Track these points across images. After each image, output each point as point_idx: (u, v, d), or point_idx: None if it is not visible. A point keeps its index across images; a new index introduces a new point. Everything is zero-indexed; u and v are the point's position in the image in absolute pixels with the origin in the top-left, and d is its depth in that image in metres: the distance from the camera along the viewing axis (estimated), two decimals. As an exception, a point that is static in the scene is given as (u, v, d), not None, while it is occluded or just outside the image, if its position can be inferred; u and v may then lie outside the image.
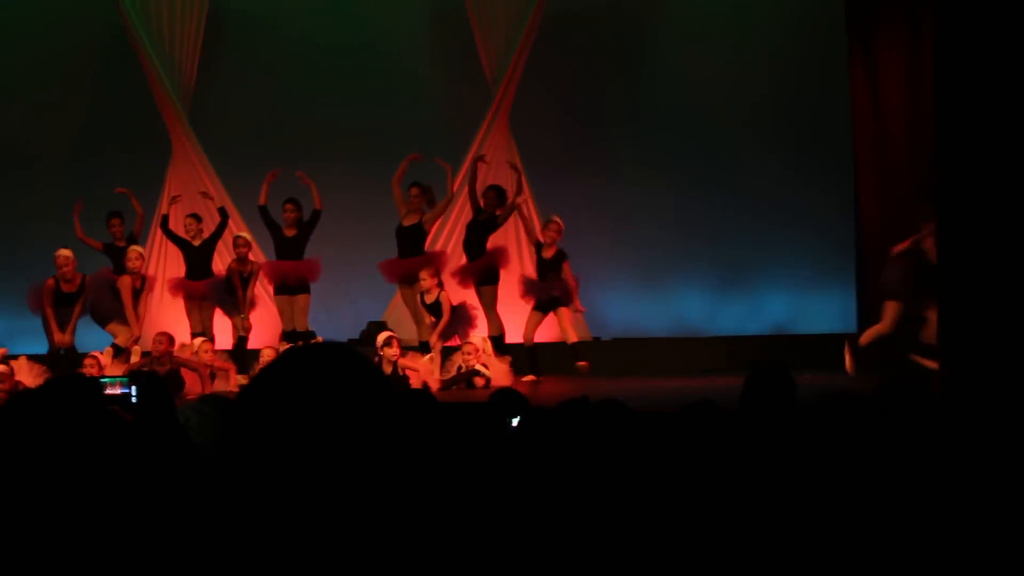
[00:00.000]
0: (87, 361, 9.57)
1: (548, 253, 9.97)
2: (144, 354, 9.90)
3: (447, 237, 10.94)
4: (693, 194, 10.79)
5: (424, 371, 9.42)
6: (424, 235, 10.21)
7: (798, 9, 10.78)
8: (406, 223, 10.16)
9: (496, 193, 10.18)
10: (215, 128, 11.55)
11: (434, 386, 9.16)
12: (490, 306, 10.05)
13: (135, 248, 10.31)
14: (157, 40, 11.41)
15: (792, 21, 10.77)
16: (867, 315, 10.12)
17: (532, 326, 10.01)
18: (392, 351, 9.18)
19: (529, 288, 10.09)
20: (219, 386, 9.52)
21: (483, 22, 11.04)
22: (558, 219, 9.98)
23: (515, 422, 3.37)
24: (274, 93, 11.46)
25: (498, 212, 10.16)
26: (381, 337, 9.32)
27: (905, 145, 9.92)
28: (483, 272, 10.07)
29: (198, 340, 9.92)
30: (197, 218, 10.49)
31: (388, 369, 9.10)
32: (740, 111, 10.81)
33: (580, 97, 11.16)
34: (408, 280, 10.18)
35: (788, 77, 10.74)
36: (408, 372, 9.28)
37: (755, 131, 10.78)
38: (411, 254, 10.15)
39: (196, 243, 10.37)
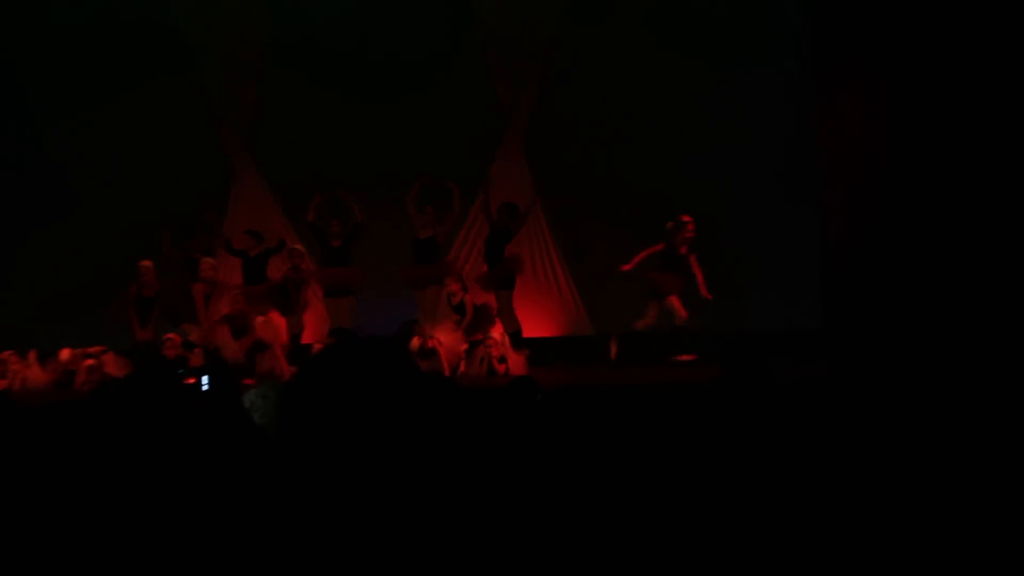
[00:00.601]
0: (167, 344, 9.66)
1: (683, 250, 9.92)
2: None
3: (469, 248, 10.98)
4: (684, 207, 10.72)
5: (449, 342, 9.48)
6: (437, 246, 10.20)
7: (772, 53, 10.71)
8: (421, 236, 10.16)
9: (508, 209, 10.17)
10: (272, 151, 11.60)
11: (460, 345, 9.45)
12: (507, 307, 10.04)
13: (207, 260, 10.35)
14: (217, 70, 11.50)
15: (768, 64, 10.68)
16: (832, 313, 10.02)
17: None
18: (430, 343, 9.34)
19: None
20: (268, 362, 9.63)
21: (499, 64, 11.10)
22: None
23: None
24: (321, 121, 11.44)
25: (511, 225, 10.16)
26: (415, 345, 9.36)
27: (865, 161, 9.86)
28: (500, 278, 10.07)
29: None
30: (253, 234, 10.54)
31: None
32: (725, 137, 10.73)
33: (585, 124, 11.10)
34: (420, 285, 10.21)
35: (766, 112, 10.63)
36: (437, 346, 9.37)
37: (737, 153, 10.69)
38: (425, 262, 10.15)
39: (252, 254, 10.39)
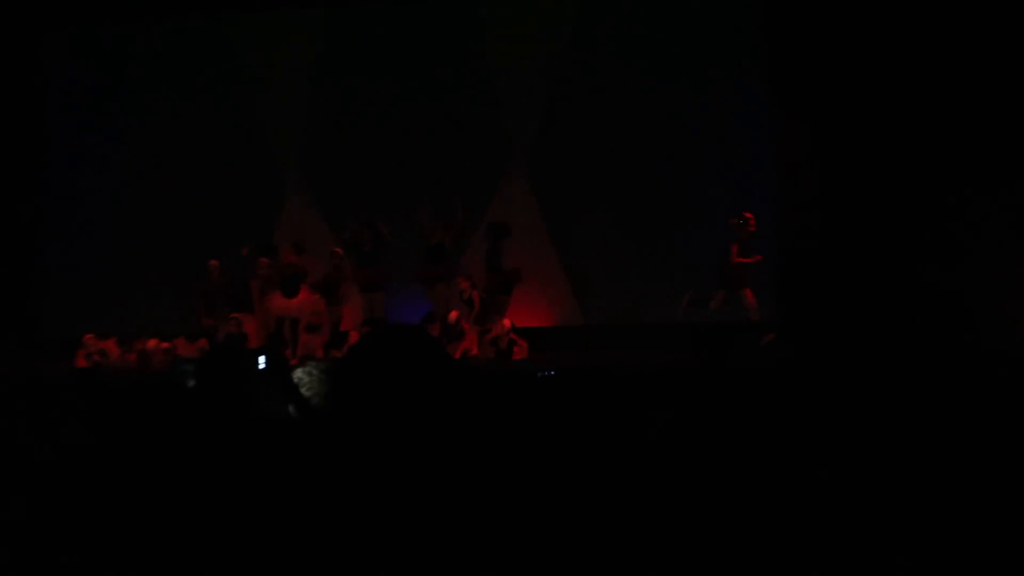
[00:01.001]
0: (232, 323, 9.72)
1: (735, 249, 9.33)
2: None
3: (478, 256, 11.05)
4: (661, 211, 10.74)
5: (472, 335, 9.57)
6: (444, 250, 10.23)
7: (735, 83, 10.69)
8: (432, 242, 10.20)
9: (498, 229, 10.19)
10: (318, 171, 11.64)
11: (472, 333, 9.49)
12: (502, 311, 10.04)
13: (263, 259, 10.39)
14: (273, 103, 11.55)
15: (732, 89, 10.64)
16: (784, 307, 9.99)
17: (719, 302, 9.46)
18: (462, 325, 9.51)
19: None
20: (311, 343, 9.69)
21: (506, 96, 11.16)
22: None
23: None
24: (358, 145, 11.48)
25: (500, 243, 10.13)
26: (453, 316, 9.52)
27: (811, 177, 9.82)
28: (500, 284, 10.08)
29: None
30: (295, 245, 10.57)
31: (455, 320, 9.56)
32: (695, 152, 10.70)
33: (579, 142, 11.05)
34: (430, 283, 10.23)
35: (730, 132, 10.60)
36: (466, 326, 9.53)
37: (706, 169, 10.65)
38: (434, 264, 10.18)
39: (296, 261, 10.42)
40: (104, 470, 2.22)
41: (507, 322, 9.72)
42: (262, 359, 4.06)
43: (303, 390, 3.51)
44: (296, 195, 11.68)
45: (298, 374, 3.65)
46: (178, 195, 11.62)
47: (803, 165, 9.90)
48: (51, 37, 12.07)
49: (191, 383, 2.79)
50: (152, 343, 9.81)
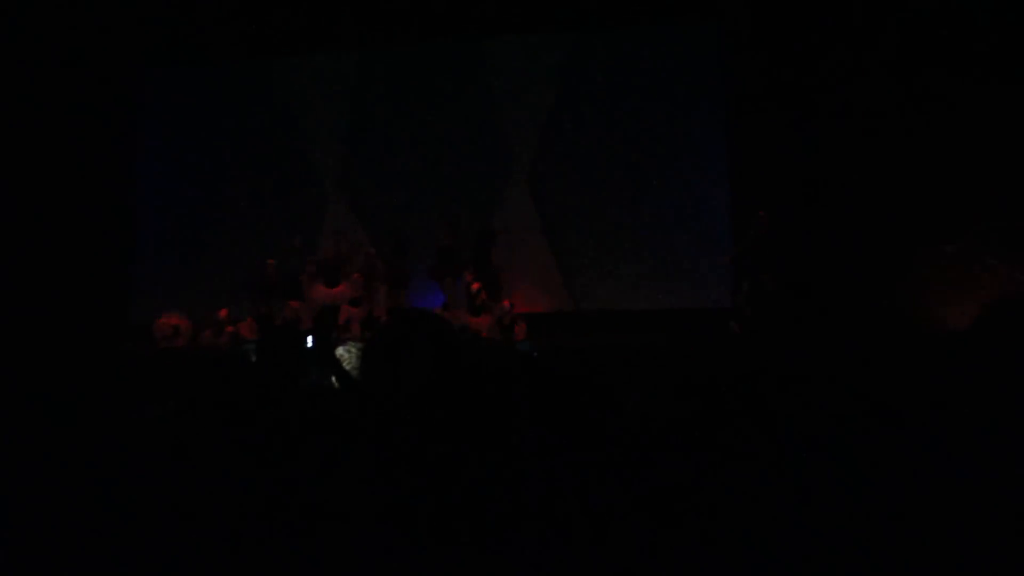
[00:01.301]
0: (288, 309, 9.78)
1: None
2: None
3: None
4: (639, 221, 10.73)
5: (483, 319, 9.60)
6: (452, 251, 10.26)
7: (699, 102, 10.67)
8: (442, 244, 10.25)
9: (483, 236, 10.21)
10: (355, 184, 11.69)
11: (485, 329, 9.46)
12: (500, 296, 10.06)
13: (311, 257, 10.49)
14: (315, 126, 11.58)
15: (694, 106, 10.61)
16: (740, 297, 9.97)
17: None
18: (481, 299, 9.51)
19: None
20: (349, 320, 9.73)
21: (507, 123, 11.14)
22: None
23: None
24: (389, 161, 11.53)
25: (490, 247, 10.16)
26: (476, 287, 9.57)
27: (765, 193, 9.80)
28: (490, 281, 10.12)
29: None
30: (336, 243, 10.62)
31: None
32: (669, 168, 10.67)
33: (573, 155, 11.03)
34: (440, 278, 10.28)
35: (695, 145, 10.59)
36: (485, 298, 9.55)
37: (678, 181, 10.64)
38: (445, 263, 10.22)
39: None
40: (184, 431, 2.26)
41: (507, 303, 9.77)
42: (310, 339, 4.12)
43: (343, 365, 3.57)
44: (335, 204, 11.74)
45: (339, 352, 3.70)
46: (242, 203, 11.73)
47: (755, 176, 9.90)
48: (144, 74, 12.20)
49: (253, 359, 2.85)
50: (223, 313, 9.92)
